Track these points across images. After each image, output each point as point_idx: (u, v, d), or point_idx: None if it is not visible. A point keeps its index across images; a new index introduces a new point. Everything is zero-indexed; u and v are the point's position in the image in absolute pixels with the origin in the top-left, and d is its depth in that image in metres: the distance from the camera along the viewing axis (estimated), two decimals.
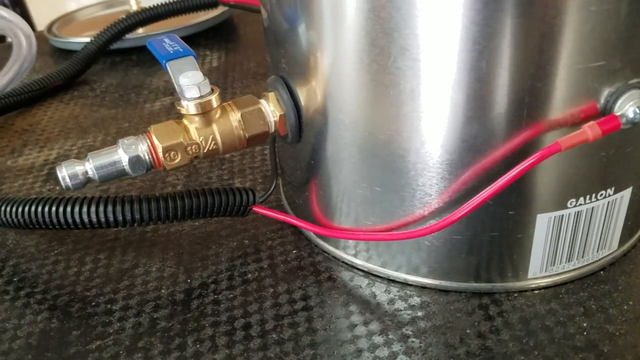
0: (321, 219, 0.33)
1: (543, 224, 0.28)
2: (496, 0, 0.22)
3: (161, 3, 0.65)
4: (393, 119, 0.27)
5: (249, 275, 0.33)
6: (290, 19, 0.28)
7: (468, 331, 0.28)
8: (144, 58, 0.69)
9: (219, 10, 0.77)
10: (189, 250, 0.35)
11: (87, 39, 0.65)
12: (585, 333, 0.27)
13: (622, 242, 0.31)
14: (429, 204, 0.28)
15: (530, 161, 0.25)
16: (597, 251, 0.30)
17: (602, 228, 0.29)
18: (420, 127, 0.26)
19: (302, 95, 0.30)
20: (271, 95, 0.31)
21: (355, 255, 0.33)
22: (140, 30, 0.75)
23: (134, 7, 0.80)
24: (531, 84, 0.24)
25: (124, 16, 0.65)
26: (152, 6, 0.65)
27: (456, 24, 0.23)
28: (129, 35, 0.67)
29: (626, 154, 0.27)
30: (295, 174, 0.34)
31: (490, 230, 0.28)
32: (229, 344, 0.28)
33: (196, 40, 0.73)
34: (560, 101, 0.25)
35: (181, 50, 0.31)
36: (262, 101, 0.31)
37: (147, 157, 0.29)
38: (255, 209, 0.34)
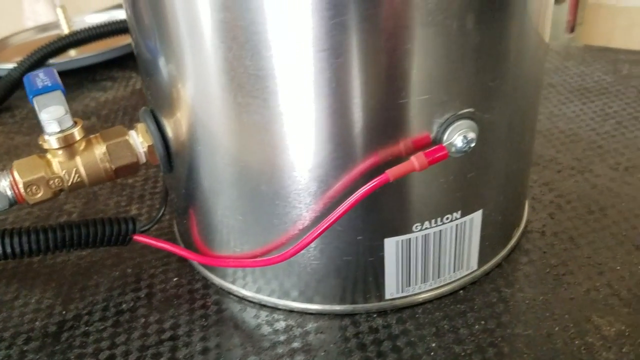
0: (200, 245, 0.34)
1: (391, 247, 0.29)
2: (325, 45, 0.24)
3: (86, 27, 0.65)
4: (248, 150, 0.27)
5: (124, 305, 0.33)
6: (151, 51, 0.29)
7: (322, 353, 0.29)
8: (70, 82, 0.69)
9: None
10: (70, 281, 0.36)
11: (12, 65, 0.65)
12: (432, 354, 0.28)
13: (482, 262, 0.33)
14: (288, 232, 0.29)
15: (361, 192, 0.26)
16: (454, 271, 0.31)
17: (455, 249, 0.31)
18: (275, 157, 0.27)
19: (168, 126, 0.31)
20: (140, 126, 0.32)
21: (233, 282, 0.33)
22: (72, 53, 0.75)
23: (66, 31, 0.80)
24: (362, 118, 0.25)
25: (47, 42, 0.65)
26: (75, 31, 0.66)
27: (301, 69, 0.24)
28: (57, 60, 0.67)
29: (469, 179, 0.29)
30: (177, 201, 0.35)
31: (344, 254, 0.29)
32: None
33: (125, 62, 0.74)
34: (392, 133, 0.26)
35: (50, 85, 0.32)
36: (132, 132, 0.32)
37: (9, 192, 0.30)
38: (136, 237, 0.34)
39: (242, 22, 0.24)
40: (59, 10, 0.76)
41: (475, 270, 0.32)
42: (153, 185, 0.45)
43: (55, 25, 0.87)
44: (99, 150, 0.31)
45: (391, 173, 0.26)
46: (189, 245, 0.35)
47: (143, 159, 0.32)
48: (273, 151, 0.27)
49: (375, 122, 0.25)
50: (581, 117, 0.49)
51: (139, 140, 0.31)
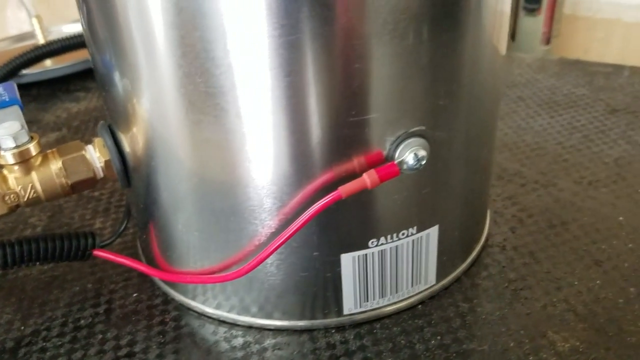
0: (160, 261, 0.34)
1: (348, 263, 0.29)
2: (274, 63, 0.24)
3: (61, 38, 0.65)
4: (202, 166, 0.27)
5: (82, 321, 0.33)
6: (106, 66, 0.29)
7: None
8: (43, 92, 0.69)
9: None
10: (30, 296, 0.35)
11: None
12: None
13: (441, 276, 0.33)
14: (244, 248, 0.29)
15: (313, 210, 0.26)
16: (412, 286, 0.32)
17: (413, 264, 0.31)
18: (228, 174, 0.27)
19: (125, 141, 0.31)
20: (98, 140, 0.32)
21: (193, 299, 0.33)
22: (48, 63, 0.75)
23: (41, 41, 0.80)
24: (314, 136, 0.25)
25: (20, 53, 0.65)
26: (50, 41, 0.65)
27: (251, 87, 0.24)
28: (31, 70, 0.67)
29: (423, 195, 0.29)
30: (137, 216, 0.35)
31: (301, 270, 0.29)
32: None
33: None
34: (345, 150, 0.26)
35: (7, 100, 0.32)
36: (89, 147, 0.32)
37: None
38: (96, 252, 0.34)
39: (191, 40, 0.24)
40: (34, 20, 0.76)
41: (433, 285, 0.33)
42: (119, 198, 0.45)
43: (31, 35, 0.86)
44: (55, 165, 0.31)
45: (343, 190, 0.26)
46: (150, 260, 0.35)
47: (100, 174, 0.32)
48: (226, 168, 0.27)
49: (327, 140, 0.26)
50: (548, 131, 0.49)
51: (95, 155, 0.31)
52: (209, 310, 0.32)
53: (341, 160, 0.26)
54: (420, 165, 0.26)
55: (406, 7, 0.24)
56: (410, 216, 0.29)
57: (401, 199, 0.28)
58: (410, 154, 0.26)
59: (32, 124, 0.61)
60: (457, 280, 0.34)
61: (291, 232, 0.27)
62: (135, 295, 0.35)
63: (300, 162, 0.26)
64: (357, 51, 0.24)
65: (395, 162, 0.26)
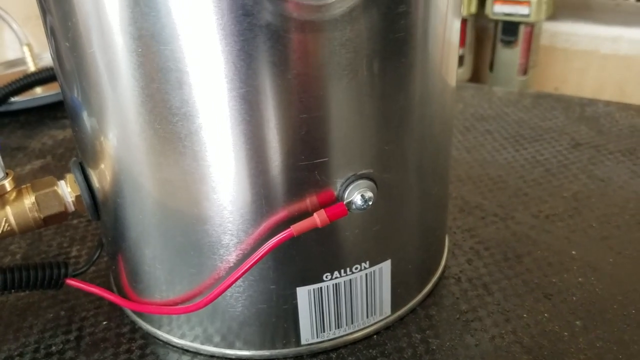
0: (128, 290, 0.35)
1: (304, 296, 0.31)
2: (225, 114, 0.26)
3: (48, 67, 0.67)
4: (163, 204, 0.29)
5: (54, 348, 0.34)
6: (74, 104, 0.31)
7: None
8: (31, 119, 0.71)
9: None
10: (6, 322, 0.37)
11: None
12: None
13: (396, 307, 0.34)
14: (205, 281, 0.31)
15: (267, 247, 0.28)
16: (367, 317, 0.33)
17: (367, 297, 0.32)
18: (187, 212, 0.29)
19: (94, 177, 0.32)
20: (70, 176, 0.34)
21: (159, 328, 0.35)
22: (38, 90, 0.77)
23: (32, 68, 0.82)
24: (266, 179, 0.27)
25: (9, 81, 0.67)
26: (39, 69, 0.67)
27: (206, 136, 0.26)
28: (20, 97, 0.69)
29: (374, 232, 0.31)
30: (107, 247, 0.37)
31: (259, 302, 0.31)
32: None
33: None
34: (297, 191, 0.28)
35: None
36: (61, 182, 0.33)
37: None
38: (68, 281, 0.35)
39: (150, 91, 0.26)
40: (25, 48, 0.78)
41: (389, 316, 0.34)
42: (96, 227, 0.46)
43: (22, 61, 0.88)
44: (29, 200, 0.32)
45: (295, 228, 0.28)
46: (120, 289, 0.36)
47: (72, 208, 0.33)
48: (186, 206, 0.28)
49: (280, 182, 0.27)
50: (512, 164, 0.51)
51: (67, 190, 0.33)
52: (173, 339, 0.34)
53: (294, 200, 0.28)
54: (368, 205, 0.28)
55: (348, 63, 0.26)
56: (362, 252, 0.31)
57: (353, 236, 0.30)
58: (358, 195, 0.28)
59: (18, 151, 0.62)
60: (413, 311, 0.35)
61: (246, 267, 0.28)
62: (105, 323, 0.36)
63: (255, 202, 0.28)
64: (304, 104, 0.26)
65: (344, 202, 0.28)
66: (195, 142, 0.26)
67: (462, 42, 1.16)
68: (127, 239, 0.32)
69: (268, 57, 0.25)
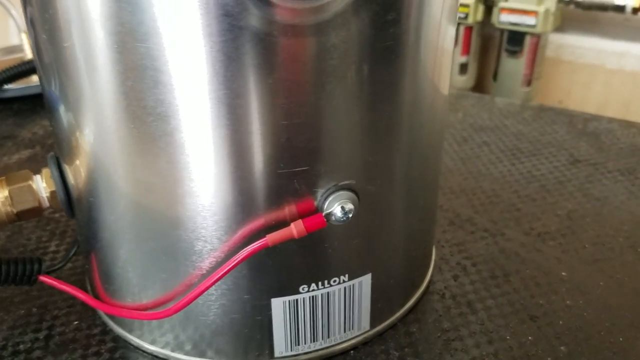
0: (100, 291, 0.34)
1: (279, 307, 0.30)
2: (202, 117, 0.25)
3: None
4: (135, 207, 0.28)
5: (22, 346, 0.33)
6: (51, 97, 0.30)
7: None
8: (24, 108, 0.70)
9: None
10: None
11: None
12: None
13: (375, 322, 0.33)
14: (176, 287, 0.30)
15: (240, 256, 0.27)
16: (344, 332, 0.32)
17: (345, 311, 0.31)
18: (159, 216, 0.28)
19: (70, 173, 0.31)
20: (45, 171, 0.33)
21: (130, 332, 0.34)
22: (34, 79, 0.76)
23: (29, 56, 0.81)
24: (244, 186, 0.26)
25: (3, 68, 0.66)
26: (31, 59, 0.67)
27: (180, 138, 0.25)
28: (14, 85, 0.68)
29: (355, 245, 0.30)
30: (82, 245, 0.36)
31: (232, 312, 0.30)
32: None
33: None
34: (275, 200, 0.27)
35: None
36: (37, 177, 0.32)
37: None
38: (41, 278, 0.34)
39: (124, 88, 0.25)
40: (23, 35, 0.77)
41: (367, 331, 0.33)
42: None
43: (20, 49, 0.88)
44: (2, 194, 0.31)
45: (271, 238, 0.27)
46: (93, 289, 0.35)
47: (46, 204, 0.32)
48: (158, 210, 0.27)
49: (257, 189, 0.26)
50: (507, 178, 0.50)
51: (42, 185, 0.32)
52: (144, 344, 0.33)
53: (272, 209, 0.27)
54: (348, 217, 0.27)
55: (332, 69, 0.25)
56: (342, 264, 0.30)
57: (332, 248, 0.29)
58: (338, 207, 0.27)
59: (8, 140, 0.61)
60: (393, 326, 0.34)
61: (218, 276, 0.27)
62: (76, 323, 0.35)
63: (231, 209, 0.27)
64: (285, 110, 0.25)
65: (323, 213, 0.27)
66: (170, 144, 0.25)
67: (467, 50, 1.15)
68: (99, 239, 0.31)
69: (248, 60, 0.24)
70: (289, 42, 0.24)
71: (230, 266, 0.27)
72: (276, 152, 0.26)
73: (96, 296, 0.35)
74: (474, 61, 1.21)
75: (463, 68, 1.16)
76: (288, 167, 0.26)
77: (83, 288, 0.36)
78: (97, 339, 0.34)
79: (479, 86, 1.25)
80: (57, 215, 0.46)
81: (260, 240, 0.27)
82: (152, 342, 0.32)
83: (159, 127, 0.25)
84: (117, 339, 0.34)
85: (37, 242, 0.43)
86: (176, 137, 0.25)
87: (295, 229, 0.27)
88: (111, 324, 0.34)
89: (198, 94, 0.24)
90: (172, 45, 0.23)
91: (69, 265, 0.40)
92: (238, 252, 0.27)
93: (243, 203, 0.27)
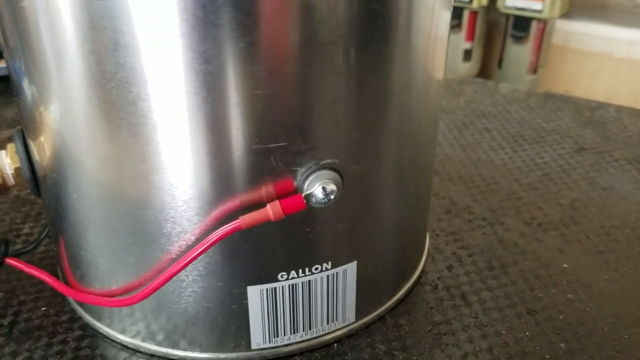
0: (68, 276, 0.32)
1: (255, 295, 0.27)
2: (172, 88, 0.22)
3: None
4: (99, 185, 0.26)
5: None
6: (16, 70, 0.28)
7: None
8: (10, 87, 0.68)
9: None
10: None
11: None
12: None
13: (362, 314, 0.31)
14: (144, 272, 0.27)
15: (211, 240, 0.24)
16: (327, 323, 0.30)
17: (328, 301, 0.29)
18: (125, 195, 0.25)
19: (35, 149, 0.29)
20: (10, 146, 0.30)
21: (99, 320, 0.31)
22: None
23: None
24: (216, 162, 0.24)
25: None
26: None
27: (151, 114, 0.23)
28: (2, 63, 0.66)
29: (339, 230, 0.27)
30: (50, 227, 0.33)
31: (204, 300, 0.28)
32: None
33: None
34: (249, 179, 0.24)
35: None
36: (1, 152, 0.30)
37: None
38: (8, 261, 0.32)
39: (82, 52, 0.22)
40: None
41: (353, 323, 0.31)
42: None
43: None
44: None
45: (244, 220, 0.25)
46: (62, 274, 0.33)
47: (11, 181, 0.30)
48: (122, 188, 0.25)
49: (230, 167, 0.24)
50: (508, 166, 0.48)
51: (7, 161, 0.30)
52: (113, 333, 0.31)
53: (247, 189, 0.25)
54: (329, 199, 0.25)
55: (313, 34, 0.22)
56: (324, 251, 0.28)
57: (313, 233, 0.27)
58: (319, 187, 0.25)
59: None
60: (381, 318, 0.32)
61: (187, 261, 0.25)
62: (43, 309, 0.33)
63: (201, 188, 0.24)
64: (259, 78, 0.22)
65: (303, 194, 0.25)
66: (132, 114, 0.23)
67: (471, 35, 1.11)
68: (64, 220, 0.29)
69: (218, 20, 0.21)
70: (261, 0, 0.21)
71: (200, 250, 0.25)
72: (250, 125, 0.23)
73: (66, 281, 0.32)
74: (479, 47, 1.18)
75: (467, 54, 1.13)
76: (264, 142, 0.24)
77: (54, 273, 0.34)
78: (64, 327, 0.32)
79: (484, 73, 1.22)
80: (32, 196, 0.44)
81: (233, 223, 0.24)
82: (122, 331, 0.30)
83: (120, 95, 0.23)
84: (86, 326, 0.32)
85: (10, 224, 0.41)
86: (139, 106, 0.23)
87: (272, 210, 0.24)
88: (80, 311, 0.32)
89: (162, 58, 0.22)
90: (133, 2, 0.21)
91: (42, 248, 0.38)
92: (210, 235, 0.25)
93: (214, 181, 0.24)
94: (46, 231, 0.35)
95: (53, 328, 0.32)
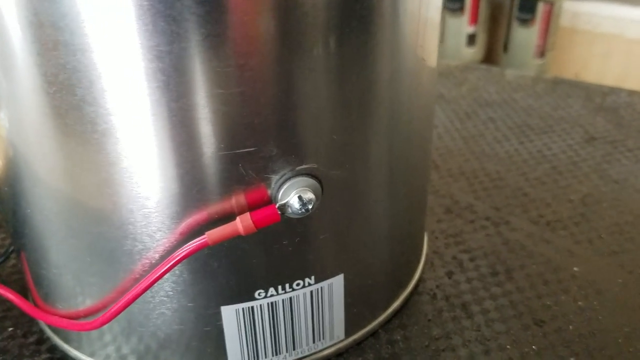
0: (34, 294, 0.29)
1: (230, 316, 0.25)
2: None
3: None
4: (51, 198, 0.23)
5: None
6: None
7: None
8: None
9: None
10: None
11: None
12: None
13: (352, 330, 0.28)
14: (107, 293, 0.25)
15: (176, 258, 0.22)
16: (313, 342, 0.27)
17: (313, 318, 0.26)
18: (80, 210, 0.23)
19: None
20: None
21: (66, 341, 0.29)
22: None
23: None
24: (179, 172, 0.21)
25: None
26: None
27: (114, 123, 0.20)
28: None
29: (321, 241, 0.25)
30: (12, 240, 0.31)
31: (175, 323, 0.25)
32: None
33: None
34: (216, 189, 0.22)
35: None
36: None
37: None
38: None
39: (22, 54, 0.19)
40: None
41: (342, 340, 0.28)
42: None
43: None
44: None
45: (210, 236, 0.22)
46: (29, 292, 0.31)
47: None
48: (75, 203, 0.22)
49: (193, 176, 0.21)
50: (514, 159, 0.45)
51: None
52: (82, 356, 0.28)
53: (213, 200, 0.22)
54: (307, 209, 0.22)
55: (281, 23, 0.19)
56: (306, 265, 0.25)
57: (292, 246, 0.24)
58: (294, 197, 0.22)
59: None
60: (374, 334, 0.29)
61: (150, 281, 0.22)
62: (11, 329, 0.30)
63: (162, 201, 0.22)
64: (220, 76, 0.19)
65: (277, 204, 0.22)
66: (78, 120, 0.20)
67: (475, 19, 1.07)
68: (23, 236, 0.26)
69: (167, 10, 0.18)
70: None
71: (163, 270, 0.22)
72: (213, 129, 0.20)
73: (33, 300, 0.30)
74: (483, 31, 1.13)
75: (471, 39, 1.08)
76: (230, 147, 0.21)
77: (24, 289, 0.32)
78: (31, 349, 0.29)
79: (489, 58, 1.18)
80: None
81: (199, 239, 0.22)
82: (92, 355, 0.28)
83: (64, 99, 0.20)
84: (54, 349, 0.29)
85: None
86: (85, 111, 0.20)
87: (242, 224, 0.22)
88: (48, 332, 0.30)
89: (107, 56, 0.19)
90: None
91: (13, 262, 0.35)
92: (174, 252, 0.23)
93: (176, 193, 0.22)
94: (13, 247, 0.33)
95: (19, 350, 0.29)
